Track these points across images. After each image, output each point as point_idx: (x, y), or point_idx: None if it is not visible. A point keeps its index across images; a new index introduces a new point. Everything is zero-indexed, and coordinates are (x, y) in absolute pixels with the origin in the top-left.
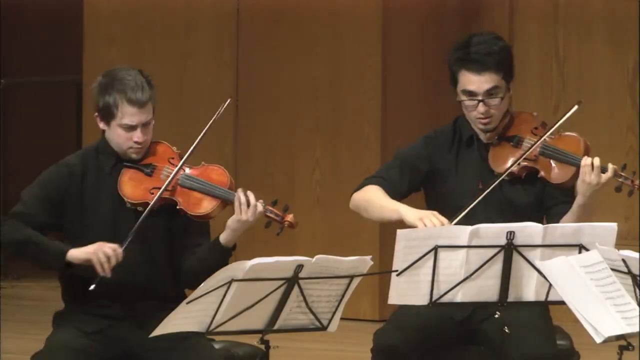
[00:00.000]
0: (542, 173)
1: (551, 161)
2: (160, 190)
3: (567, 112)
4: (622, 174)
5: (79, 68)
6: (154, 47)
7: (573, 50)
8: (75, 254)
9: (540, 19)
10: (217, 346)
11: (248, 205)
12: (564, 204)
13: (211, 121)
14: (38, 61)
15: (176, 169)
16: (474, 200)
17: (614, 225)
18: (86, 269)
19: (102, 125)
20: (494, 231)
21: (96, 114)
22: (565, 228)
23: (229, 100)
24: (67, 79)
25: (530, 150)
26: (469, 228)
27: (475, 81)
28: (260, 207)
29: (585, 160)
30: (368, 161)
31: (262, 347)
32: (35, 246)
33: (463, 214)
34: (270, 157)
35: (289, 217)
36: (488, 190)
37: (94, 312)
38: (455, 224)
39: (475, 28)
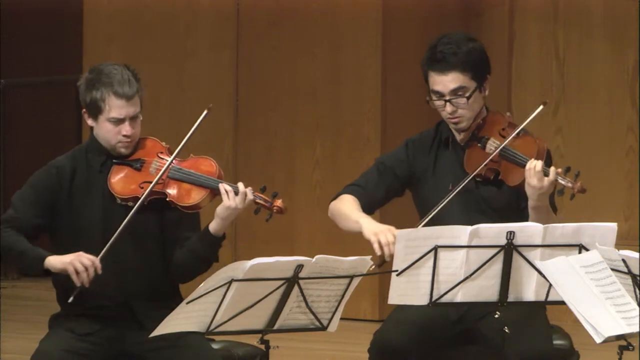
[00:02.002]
0: (501, 175)
1: (509, 163)
2: (151, 185)
3: (532, 113)
4: (565, 177)
5: (79, 68)
6: (154, 47)
7: (573, 50)
8: (53, 262)
9: (540, 19)
10: (217, 346)
11: (236, 193)
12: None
13: (200, 119)
14: (38, 61)
15: (167, 163)
16: (441, 203)
17: (614, 225)
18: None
19: (90, 121)
20: (494, 231)
21: (84, 110)
22: (565, 228)
23: (208, 107)
24: (67, 79)
25: (495, 153)
26: (469, 228)
27: (440, 81)
28: (249, 194)
29: (529, 164)
30: (368, 161)
31: (262, 347)
32: (16, 252)
33: (429, 217)
34: (270, 157)
35: (278, 203)
36: (453, 193)
37: (89, 313)
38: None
39: (475, 28)
